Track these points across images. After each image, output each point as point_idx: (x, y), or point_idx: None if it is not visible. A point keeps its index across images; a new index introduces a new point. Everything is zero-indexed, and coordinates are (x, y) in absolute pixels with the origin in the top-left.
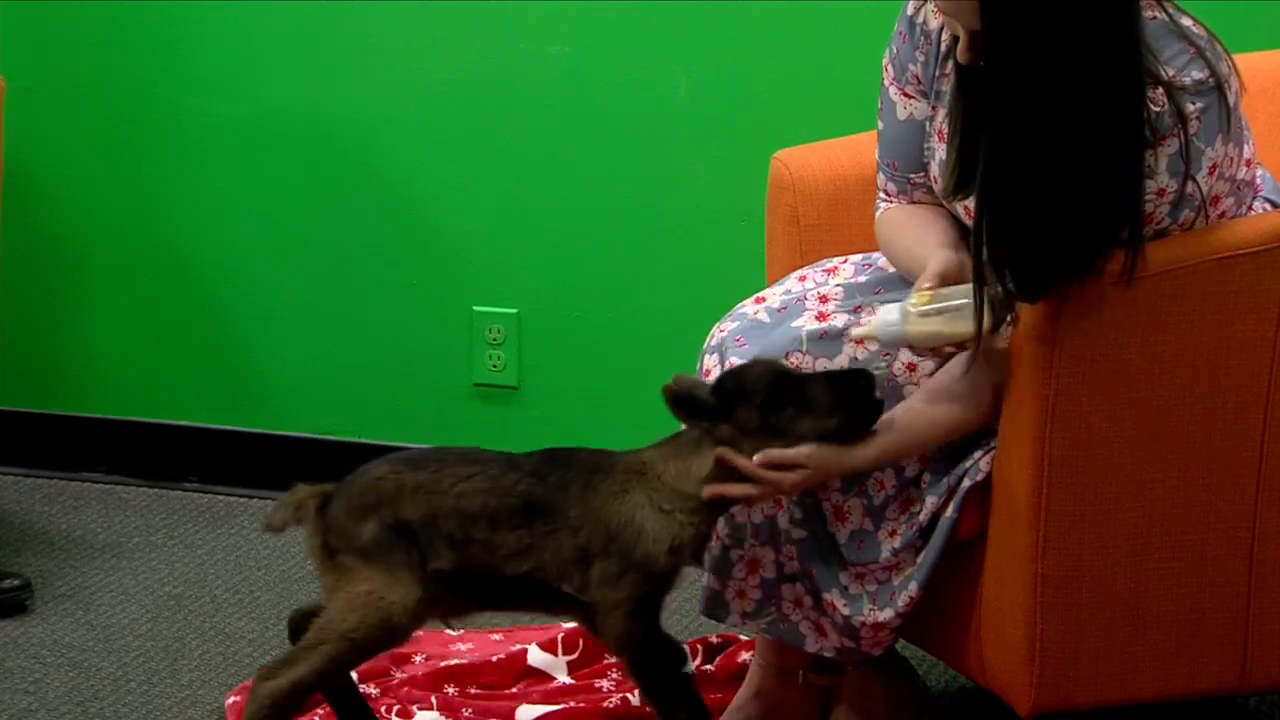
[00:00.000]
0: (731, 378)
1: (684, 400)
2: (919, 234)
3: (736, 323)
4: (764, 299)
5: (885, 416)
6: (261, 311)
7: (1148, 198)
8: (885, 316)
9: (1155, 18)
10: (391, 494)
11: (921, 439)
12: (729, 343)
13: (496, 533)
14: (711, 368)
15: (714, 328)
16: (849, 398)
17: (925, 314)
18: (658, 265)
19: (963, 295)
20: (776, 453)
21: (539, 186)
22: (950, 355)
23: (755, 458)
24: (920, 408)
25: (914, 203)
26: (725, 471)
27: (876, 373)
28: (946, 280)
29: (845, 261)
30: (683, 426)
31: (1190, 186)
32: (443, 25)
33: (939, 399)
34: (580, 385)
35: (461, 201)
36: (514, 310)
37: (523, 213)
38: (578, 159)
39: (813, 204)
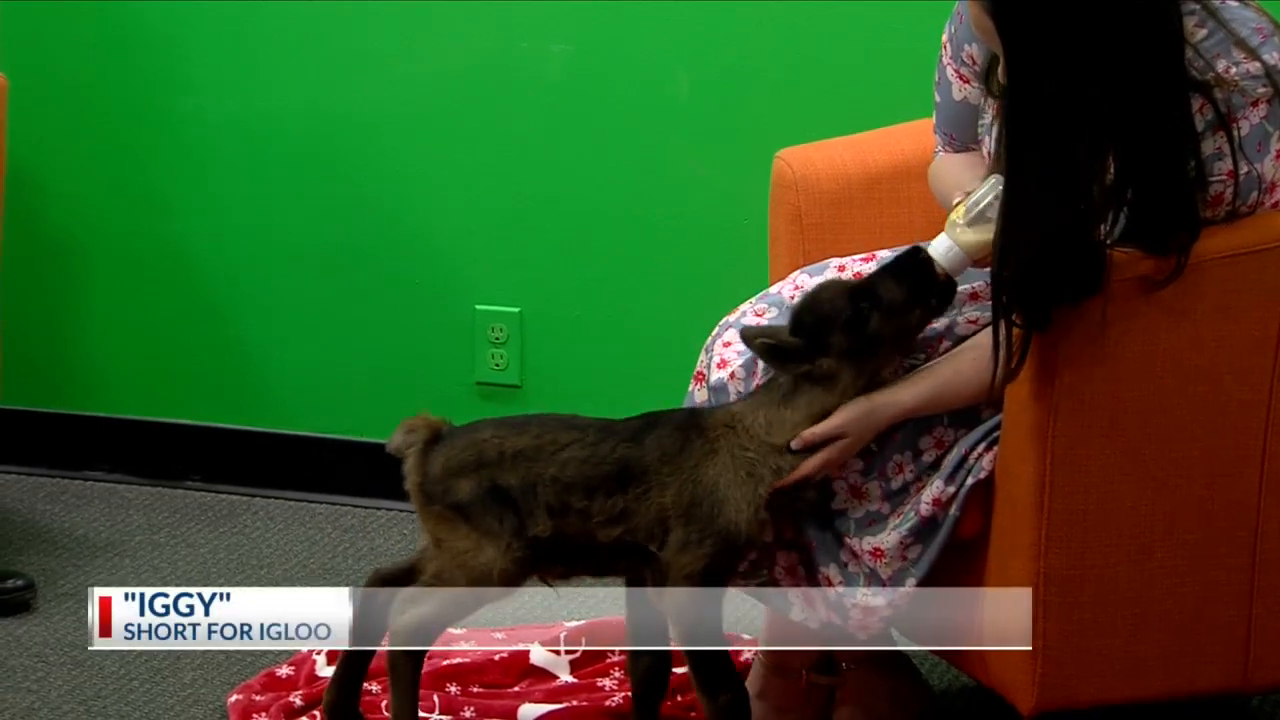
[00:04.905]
0: (806, 312)
1: (775, 350)
2: (965, 174)
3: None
4: (764, 312)
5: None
6: (264, 311)
7: (1219, 179)
8: (938, 245)
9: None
10: (493, 458)
11: (947, 385)
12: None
13: (593, 501)
14: (703, 365)
15: (719, 328)
16: (915, 281)
17: (967, 225)
18: (660, 263)
19: (989, 192)
20: (808, 432)
21: (541, 185)
22: None
23: (792, 443)
24: (946, 359)
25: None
26: (818, 416)
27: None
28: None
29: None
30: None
31: (1261, 168)
32: (443, 24)
33: (964, 349)
34: (582, 384)
35: (463, 200)
36: (516, 309)
37: (524, 211)
38: (579, 157)
39: (815, 203)
